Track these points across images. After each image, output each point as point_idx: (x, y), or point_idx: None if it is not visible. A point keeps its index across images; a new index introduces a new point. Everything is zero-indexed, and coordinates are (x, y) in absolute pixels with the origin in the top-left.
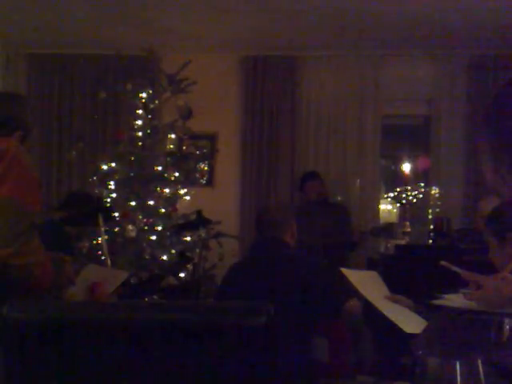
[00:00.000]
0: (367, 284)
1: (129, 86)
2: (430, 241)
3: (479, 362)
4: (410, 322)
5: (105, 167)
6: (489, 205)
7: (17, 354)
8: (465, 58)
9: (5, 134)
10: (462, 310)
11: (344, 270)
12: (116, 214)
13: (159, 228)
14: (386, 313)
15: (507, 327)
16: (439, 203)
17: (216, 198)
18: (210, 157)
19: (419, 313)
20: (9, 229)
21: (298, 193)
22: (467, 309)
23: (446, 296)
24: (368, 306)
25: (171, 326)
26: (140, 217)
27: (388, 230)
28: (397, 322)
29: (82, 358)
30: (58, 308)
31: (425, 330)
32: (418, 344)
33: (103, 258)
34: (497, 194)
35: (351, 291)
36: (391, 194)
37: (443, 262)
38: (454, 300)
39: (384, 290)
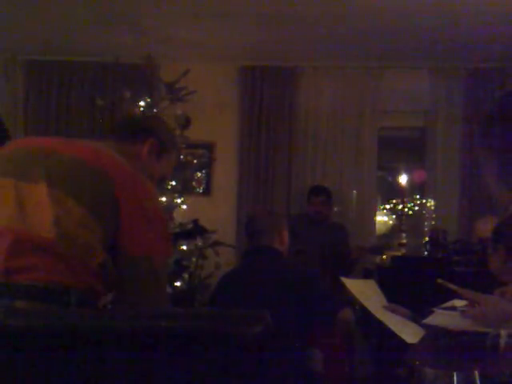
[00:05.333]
0: (366, 293)
1: (127, 94)
2: (426, 252)
3: (476, 373)
4: (410, 332)
5: None
6: (485, 225)
7: (13, 364)
8: (461, 70)
9: (133, 141)
10: (457, 332)
11: (343, 279)
12: None
13: None
14: (386, 322)
15: (503, 339)
16: (435, 215)
17: (213, 207)
18: (208, 166)
19: (417, 323)
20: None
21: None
22: (461, 329)
23: (443, 312)
24: (364, 316)
25: (165, 334)
26: None
27: (386, 247)
28: (397, 332)
29: (80, 366)
30: (57, 315)
31: (421, 341)
32: (415, 354)
33: None
34: (498, 205)
35: (344, 300)
36: (387, 206)
37: (440, 280)
38: (449, 318)
39: (382, 299)
